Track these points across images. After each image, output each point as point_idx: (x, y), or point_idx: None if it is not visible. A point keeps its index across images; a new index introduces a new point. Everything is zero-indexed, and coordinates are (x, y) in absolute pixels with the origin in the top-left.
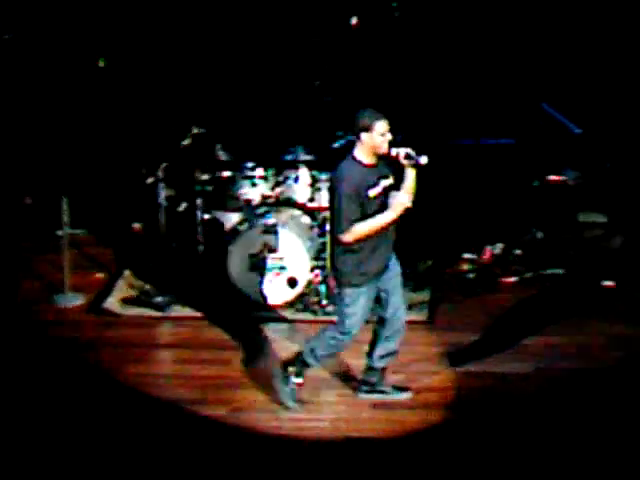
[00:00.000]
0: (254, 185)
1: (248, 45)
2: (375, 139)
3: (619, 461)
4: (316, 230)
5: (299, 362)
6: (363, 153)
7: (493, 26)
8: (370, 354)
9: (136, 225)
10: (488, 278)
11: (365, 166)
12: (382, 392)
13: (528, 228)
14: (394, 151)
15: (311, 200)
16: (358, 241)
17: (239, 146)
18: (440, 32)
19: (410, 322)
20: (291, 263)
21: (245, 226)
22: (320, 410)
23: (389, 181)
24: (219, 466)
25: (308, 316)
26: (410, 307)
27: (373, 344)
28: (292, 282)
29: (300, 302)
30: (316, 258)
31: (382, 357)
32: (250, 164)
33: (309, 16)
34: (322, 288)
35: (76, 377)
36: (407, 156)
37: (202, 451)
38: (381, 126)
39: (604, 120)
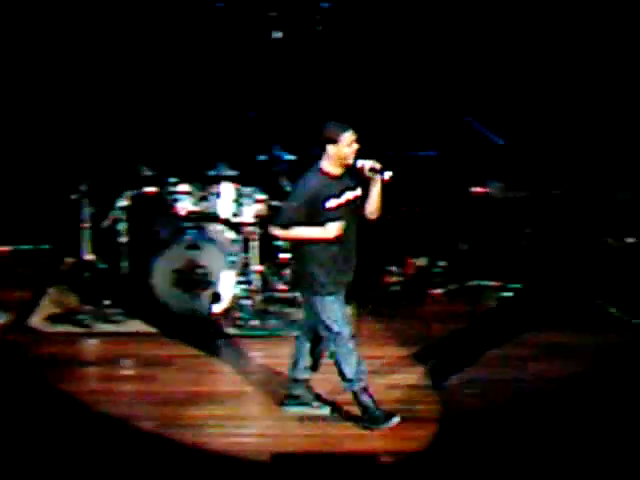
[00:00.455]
0: (178, 201)
1: (171, 61)
2: (342, 150)
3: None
4: (240, 245)
5: (356, 400)
6: (329, 164)
7: (417, 40)
8: (294, 366)
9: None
10: (414, 290)
11: (330, 177)
12: (307, 404)
13: (453, 240)
14: (359, 163)
15: (235, 215)
16: (305, 252)
17: (163, 162)
18: (363, 45)
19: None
20: (215, 278)
21: (170, 241)
22: (247, 425)
23: (355, 193)
24: None
25: (233, 331)
26: None
27: (297, 356)
28: (216, 297)
29: (224, 317)
30: (240, 273)
31: (306, 369)
32: (174, 180)
33: (232, 31)
34: (246, 303)
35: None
36: (372, 169)
37: (129, 467)
38: (348, 137)
39: (527, 132)
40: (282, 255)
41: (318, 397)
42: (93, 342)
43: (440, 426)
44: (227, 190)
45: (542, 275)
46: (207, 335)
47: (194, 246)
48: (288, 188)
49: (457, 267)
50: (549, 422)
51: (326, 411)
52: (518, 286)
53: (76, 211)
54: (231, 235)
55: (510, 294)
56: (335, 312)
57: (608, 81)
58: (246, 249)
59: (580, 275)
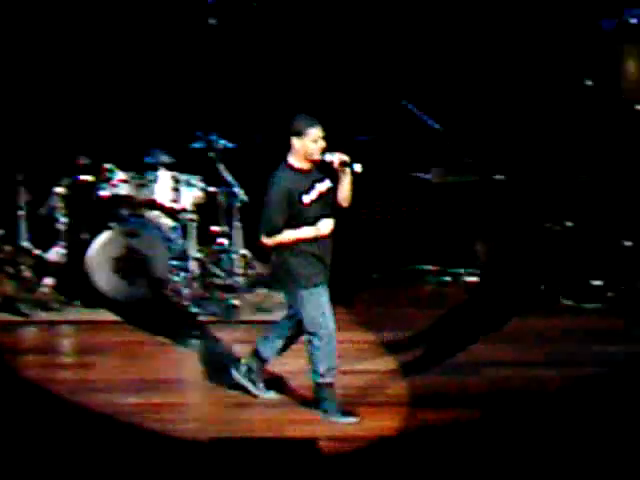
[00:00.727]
0: (115, 187)
1: (106, 47)
2: (307, 145)
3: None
4: (178, 232)
5: (317, 391)
6: (296, 159)
7: (353, 25)
8: (263, 341)
9: None
10: (354, 275)
11: (298, 171)
12: (253, 383)
13: (393, 225)
14: (328, 157)
15: (173, 202)
16: (284, 247)
17: (100, 149)
18: (299, 31)
19: (269, 322)
20: (152, 265)
21: (107, 229)
22: (186, 411)
23: (326, 185)
24: (82, 468)
25: (171, 318)
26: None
27: (272, 334)
28: (154, 284)
29: (163, 304)
30: (178, 259)
31: (273, 350)
32: (111, 167)
33: (166, 17)
34: (184, 290)
35: None
36: (342, 163)
37: (65, 454)
38: (314, 133)
39: (464, 117)
40: (219, 240)
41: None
42: (31, 330)
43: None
44: (164, 177)
45: (484, 260)
46: (145, 322)
47: (132, 233)
48: (225, 174)
49: (397, 252)
50: (504, 405)
51: (269, 395)
52: (459, 270)
53: (12, 199)
54: (169, 222)
55: (448, 278)
56: (322, 305)
57: (543, 64)
58: (184, 236)
59: (522, 259)
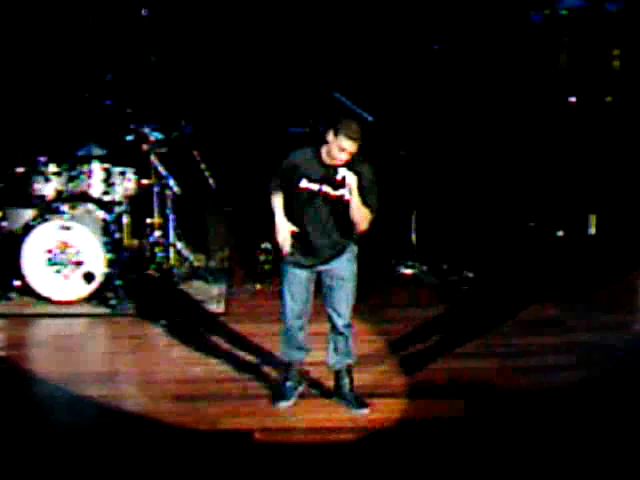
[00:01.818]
0: (47, 180)
1: (37, 37)
2: (333, 147)
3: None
4: (112, 225)
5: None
6: (323, 149)
7: (282, 15)
8: None
9: None
10: None
11: (318, 158)
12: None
13: None
14: (341, 173)
15: (106, 194)
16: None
17: (32, 141)
18: (231, 19)
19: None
20: (87, 258)
21: (39, 222)
22: (120, 405)
23: (336, 192)
24: (20, 464)
25: (105, 311)
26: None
27: None
28: (88, 277)
29: (97, 297)
30: (113, 252)
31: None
32: (43, 159)
33: (101, 8)
34: (118, 282)
35: None
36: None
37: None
38: (345, 143)
39: (396, 108)
40: (156, 234)
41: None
42: None
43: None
44: (97, 169)
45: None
46: (80, 316)
47: (65, 226)
48: (158, 167)
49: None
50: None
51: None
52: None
53: None
54: (102, 214)
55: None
56: (289, 284)
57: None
58: (118, 228)
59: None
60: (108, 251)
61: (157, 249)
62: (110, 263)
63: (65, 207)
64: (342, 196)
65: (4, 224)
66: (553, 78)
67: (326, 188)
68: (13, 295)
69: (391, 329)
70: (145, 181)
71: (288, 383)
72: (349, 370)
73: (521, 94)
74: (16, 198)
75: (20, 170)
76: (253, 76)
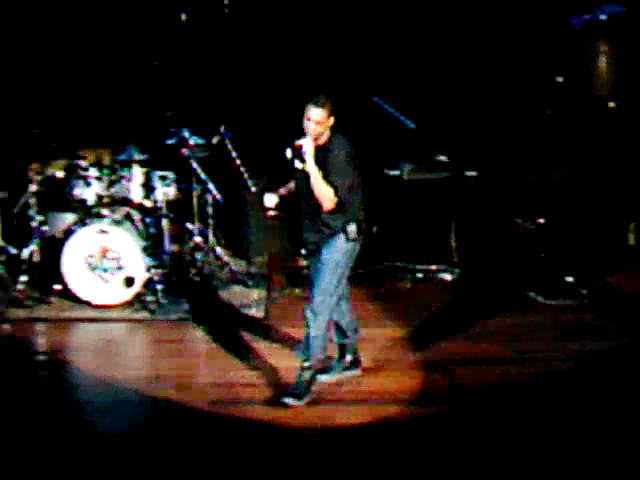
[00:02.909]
0: (88, 185)
1: (80, 43)
2: (304, 119)
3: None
4: (152, 229)
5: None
6: None
7: (325, 22)
8: None
9: None
10: None
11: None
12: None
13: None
14: (299, 140)
15: (146, 198)
16: None
17: (73, 146)
18: (269, 26)
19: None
20: (127, 262)
21: (80, 226)
22: (161, 411)
23: (300, 164)
24: (59, 468)
25: (145, 315)
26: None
27: None
28: (128, 281)
29: (137, 301)
30: (152, 256)
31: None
32: (84, 164)
33: (138, 12)
34: (158, 287)
35: None
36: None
37: (41, 453)
38: (306, 110)
39: (437, 114)
40: (196, 238)
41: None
42: (5, 327)
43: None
44: (138, 174)
45: (455, 256)
46: (120, 320)
47: (105, 231)
48: (198, 171)
49: (370, 249)
50: (458, 406)
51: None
52: (432, 267)
53: None
54: (142, 219)
55: (422, 275)
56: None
57: (515, 61)
58: (158, 233)
59: (495, 257)
60: (148, 255)
61: (197, 254)
62: (150, 267)
63: (106, 211)
64: (301, 168)
65: (45, 228)
66: (592, 83)
67: (297, 163)
68: (54, 299)
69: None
70: (186, 186)
71: (334, 362)
72: (306, 365)
73: (560, 99)
74: (57, 203)
75: (61, 175)
76: (293, 80)
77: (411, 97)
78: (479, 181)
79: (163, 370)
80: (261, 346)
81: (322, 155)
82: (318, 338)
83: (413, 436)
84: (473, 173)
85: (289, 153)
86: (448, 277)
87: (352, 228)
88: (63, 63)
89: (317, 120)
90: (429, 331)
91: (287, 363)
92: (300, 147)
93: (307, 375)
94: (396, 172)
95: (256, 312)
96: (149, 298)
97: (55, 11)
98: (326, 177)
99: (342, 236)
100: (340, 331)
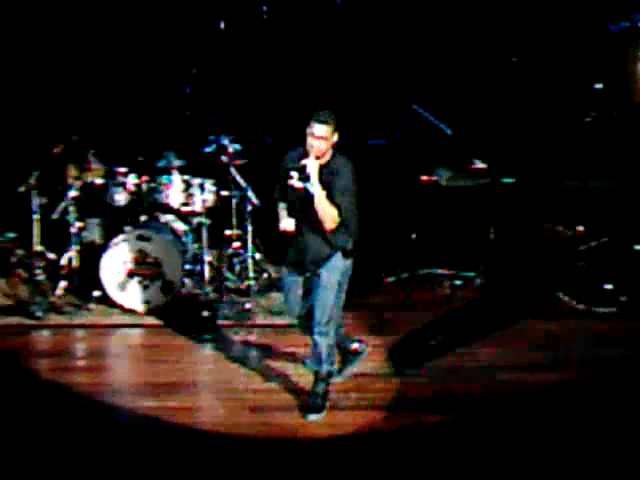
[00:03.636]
0: (127, 191)
1: (116, 51)
2: (307, 137)
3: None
4: (191, 236)
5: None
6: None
7: (362, 28)
8: None
9: None
10: (366, 279)
11: (305, 156)
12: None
13: (403, 229)
14: (304, 161)
15: (184, 205)
16: None
17: (111, 153)
18: (309, 33)
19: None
20: (165, 269)
21: (119, 233)
22: (202, 415)
23: (301, 184)
24: (94, 471)
25: (184, 321)
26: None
27: None
28: (167, 288)
29: (175, 307)
30: (191, 263)
31: None
32: (123, 170)
33: (178, 20)
34: (197, 293)
35: None
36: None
37: (79, 458)
38: (312, 127)
39: (475, 121)
40: (234, 244)
41: None
42: (44, 333)
43: (387, 414)
44: (177, 180)
45: (493, 263)
46: (159, 326)
47: (145, 237)
48: (237, 178)
49: (408, 256)
50: (501, 411)
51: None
52: (470, 274)
53: (26, 202)
54: (182, 226)
55: (459, 282)
56: (285, 287)
57: (553, 67)
58: (197, 239)
59: (532, 263)
60: (186, 262)
61: (235, 260)
62: (188, 274)
63: (144, 218)
64: (302, 188)
65: (84, 234)
66: (631, 90)
67: (300, 183)
68: (93, 306)
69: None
70: (224, 192)
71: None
72: (320, 377)
73: (599, 106)
74: (96, 209)
75: (100, 181)
76: (332, 88)
77: (449, 103)
78: (517, 188)
79: (202, 376)
80: (299, 352)
81: (325, 174)
82: (330, 352)
83: (449, 442)
84: (511, 180)
85: (295, 174)
86: (485, 283)
87: (350, 246)
88: (103, 70)
89: (322, 136)
90: (466, 337)
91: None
92: (304, 167)
93: (323, 386)
94: (434, 178)
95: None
96: (187, 304)
97: (94, 18)
98: (330, 197)
99: (340, 254)
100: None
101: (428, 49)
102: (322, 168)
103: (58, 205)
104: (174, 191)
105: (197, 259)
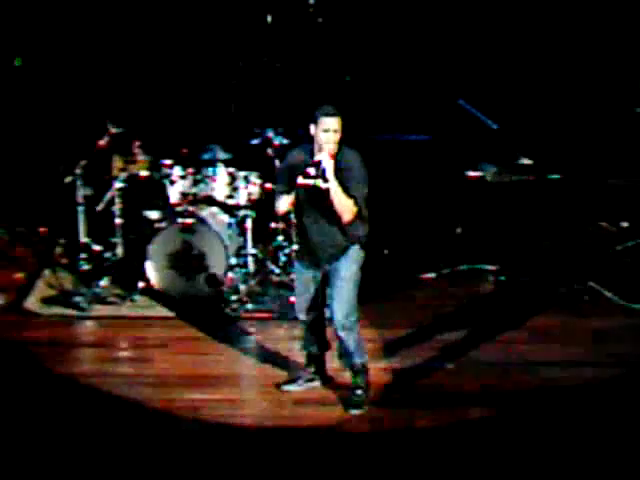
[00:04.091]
0: (172, 183)
1: (164, 43)
2: (317, 134)
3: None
4: (236, 229)
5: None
6: (315, 146)
7: (411, 24)
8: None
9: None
10: (407, 274)
11: (313, 154)
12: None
13: (448, 224)
14: (318, 156)
15: (229, 198)
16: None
17: (157, 145)
18: (358, 29)
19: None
20: (210, 261)
21: (164, 224)
22: (244, 407)
23: (316, 181)
24: (138, 463)
25: (228, 314)
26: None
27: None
28: (212, 280)
29: (220, 300)
30: (236, 256)
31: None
32: (168, 162)
33: (225, 13)
34: (241, 286)
35: None
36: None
37: (122, 448)
38: (325, 122)
39: (520, 115)
40: (279, 238)
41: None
42: (88, 324)
43: (429, 409)
44: (222, 173)
45: (537, 259)
46: (202, 318)
47: (189, 229)
48: None
49: (452, 251)
50: (544, 407)
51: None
52: (513, 270)
53: (71, 193)
54: (226, 218)
55: (504, 278)
56: (297, 281)
57: (601, 66)
58: (241, 232)
59: (575, 259)
60: (231, 255)
61: (279, 253)
62: (233, 267)
63: (189, 210)
64: (313, 185)
65: (129, 226)
66: None
67: (316, 180)
68: (137, 297)
69: None
70: (269, 185)
71: (301, 372)
72: (356, 370)
73: None
74: (141, 201)
75: (145, 173)
76: (377, 81)
77: (495, 99)
78: (563, 184)
79: (246, 368)
80: None
81: (336, 167)
82: (360, 344)
83: (498, 436)
84: (557, 176)
85: (312, 171)
86: (530, 279)
87: (365, 237)
88: (152, 63)
89: (336, 129)
90: (513, 333)
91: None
92: (319, 163)
93: (361, 379)
94: (479, 173)
95: None
96: (232, 297)
97: (142, 11)
98: (344, 189)
99: (357, 246)
100: (311, 341)
101: (475, 44)
102: (334, 161)
103: (103, 196)
104: (219, 184)
105: (242, 252)
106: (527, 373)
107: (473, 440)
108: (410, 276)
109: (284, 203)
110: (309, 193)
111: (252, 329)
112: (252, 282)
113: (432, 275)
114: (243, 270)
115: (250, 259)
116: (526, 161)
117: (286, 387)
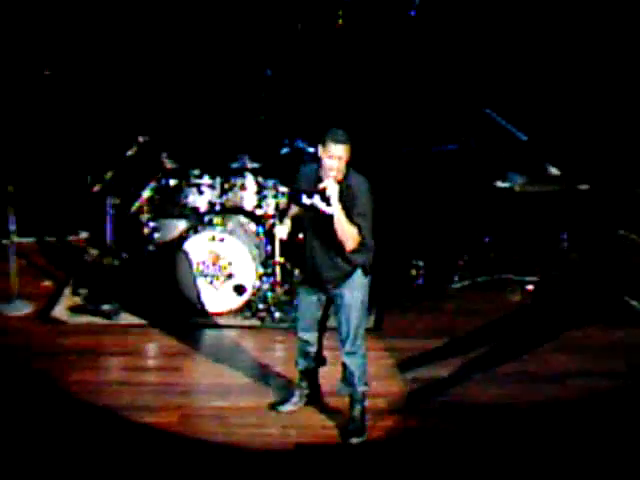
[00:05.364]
0: (201, 193)
1: (193, 53)
2: (323, 157)
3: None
4: (263, 237)
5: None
6: (321, 167)
7: (436, 33)
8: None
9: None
10: (437, 284)
11: (320, 174)
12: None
13: (476, 234)
14: (324, 183)
15: (258, 207)
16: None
17: (185, 154)
18: (383, 39)
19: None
20: (238, 270)
21: (192, 233)
22: (270, 416)
23: (319, 205)
24: (168, 474)
25: (255, 323)
26: None
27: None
28: (239, 289)
29: (247, 309)
30: (263, 265)
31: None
32: (196, 172)
33: (253, 22)
34: (269, 295)
35: (24, 385)
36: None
37: (151, 458)
38: (330, 148)
39: (549, 126)
40: None
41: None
42: (116, 333)
43: (455, 420)
44: (250, 182)
45: (566, 269)
46: (229, 326)
47: (217, 238)
48: None
49: (481, 261)
50: (572, 419)
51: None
52: (540, 281)
53: (100, 202)
54: (254, 227)
55: (531, 288)
56: (297, 302)
57: (631, 77)
58: (269, 241)
59: (604, 270)
60: (259, 264)
61: None
62: (261, 276)
63: (218, 219)
64: (314, 208)
65: (157, 235)
66: None
67: (321, 205)
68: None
69: None
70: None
71: (295, 390)
72: (356, 399)
73: None
74: (170, 210)
75: (174, 182)
76: (404, 92)
77: (523, 109)
78: (592, 194)
79: (273, 377)
80: (370, 356)
81: (342, 193)
82: (362, 371)
83: (524, 447)
84: (586, 186)
85: (306, 200)
86: (559, 290)
87: (369, 263)
88: (180, 72)
89: (340, 156)
90: (539, 343)
91: (394, 374)
92: (324, 190)
93: (359, 408)
94: (507, 184)
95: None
96: (259, 306)
97: (170, 21)
98: (348, 217)
99: (360, 271)
100: (306, 356)
101: (503, 54)
102: (339, 187)
103: (132, 205)
104: (248, 193)
105: (269, 261)
106: (554, 383)
107: (499, 451)
108: (439, 286)
109: (282, 231)
110: (313, 217)
111: (279, 337)
112: (279, 291)
113: (461, 284)
114: (270, 279)
115: (277, 268)
116: (555, 171)
117: (281, 408)
